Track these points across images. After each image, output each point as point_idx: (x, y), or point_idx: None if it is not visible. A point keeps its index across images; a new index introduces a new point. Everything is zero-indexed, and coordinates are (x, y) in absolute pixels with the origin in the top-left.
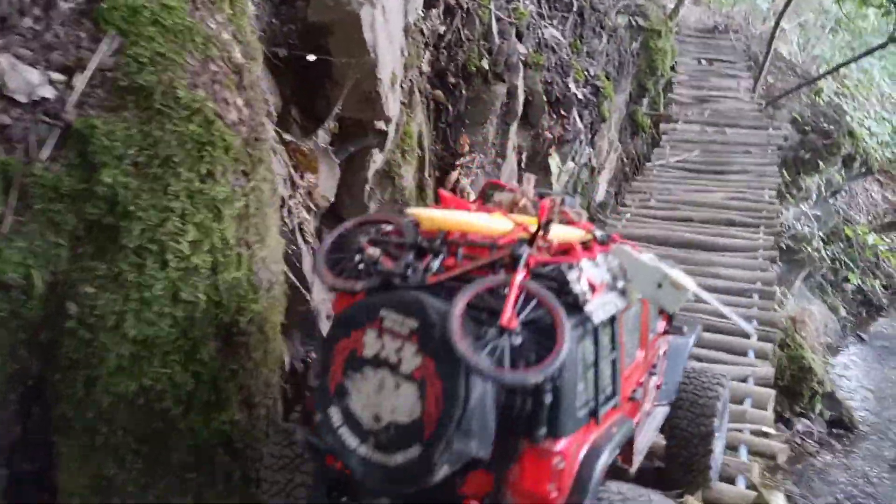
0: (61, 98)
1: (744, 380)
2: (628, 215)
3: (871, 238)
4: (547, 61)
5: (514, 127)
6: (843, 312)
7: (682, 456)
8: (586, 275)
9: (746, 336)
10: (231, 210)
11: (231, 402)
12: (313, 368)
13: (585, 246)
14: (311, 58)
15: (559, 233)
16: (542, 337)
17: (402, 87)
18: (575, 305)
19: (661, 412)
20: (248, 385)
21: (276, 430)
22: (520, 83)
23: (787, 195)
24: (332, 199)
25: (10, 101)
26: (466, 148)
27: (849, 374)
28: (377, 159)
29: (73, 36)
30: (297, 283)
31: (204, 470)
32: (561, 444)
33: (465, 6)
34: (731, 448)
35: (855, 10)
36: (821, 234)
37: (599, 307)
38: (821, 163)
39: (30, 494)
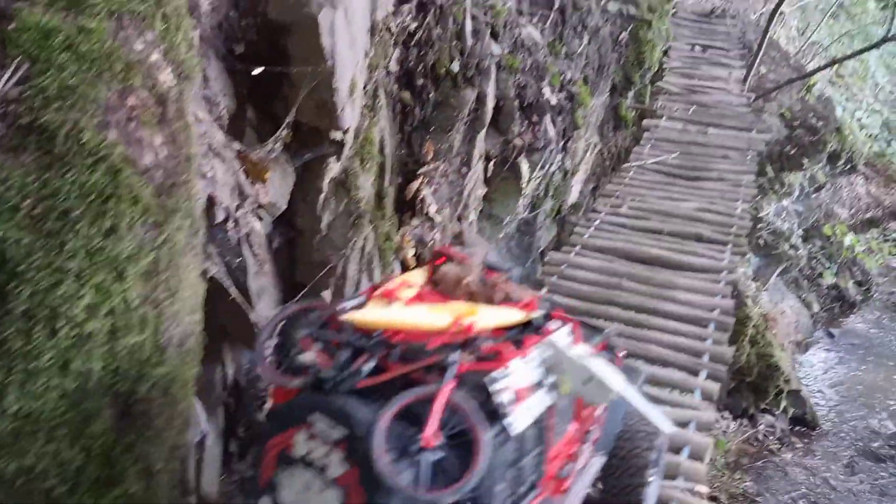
0: None
1: (685, 424)
2: (598, 222)
3: (849, 239)
4: (522, 63)
5: (481, 135)
6: (816, 308)
7: (614, 500)
8: (513, 380)
9: (695, 373)
10: (136, 268)
11: (126, 475)
12: (249, 457)
13: (517, 342)
14: (257, 71)
15: (497, 317)
16: (465, 451)
17: (365, 89)
18: (496, 415)
19: (598, 462)
20: (147, 454)
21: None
22: (490, 89)
23: (770, 191)
24: (284, 207)
25: None
26: (430, 155)
27: (815, 370)
28: (333, 168)
29: None
30: (239, 298)
31: None
32: None
33: (439, 2)
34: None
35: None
36: (800, 230)
37: (522, 415)
38: (805, 160)
39: None
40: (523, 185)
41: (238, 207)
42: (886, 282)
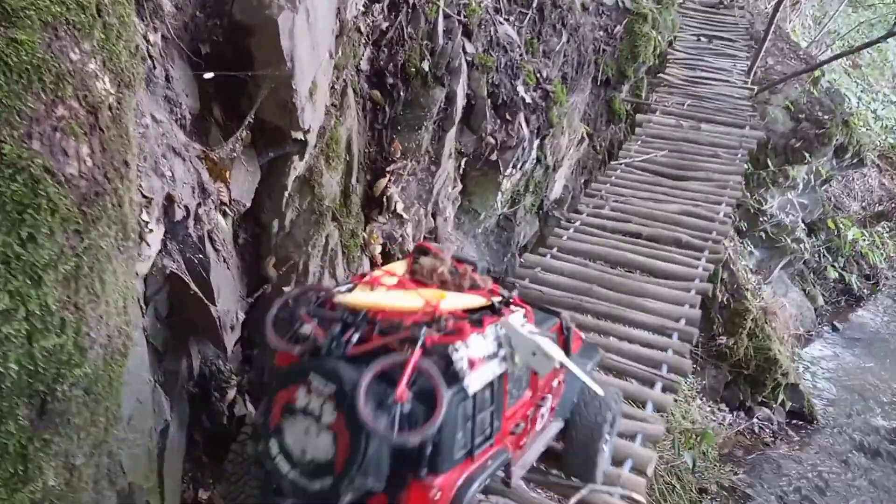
0: None
1: (633, 437)
2: (578, 223)
3: (852, 233)
4: (496, 62)
5: (451, 133)
6: (821, 301)
7: (572, 461)
8: (470, 352)
9: (651, 384)
10: (55, 274)
11: (44, 471)
12: (258, 408)
13: (476, 321)
14: (209, 75)
15: (463, 301)
16: (429, 404)
17: (333, 89)
18: (456, 377)
19: (555, 426)
20: (67, 450)
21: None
22: (460, 87)
23: (773, 183)
24: (248, 204)
25: None
26: (398, 153)
27: (817, 364)
28: (298, 166)
29: None
30: (200, 294)
31: None
32: (438, 480)
33: (412, 1)
34: None
35: None
36: (805, 223)
37: (476, 379)
38: (807, 154)
39: None
40: (500, 181)
41: (199, 205)
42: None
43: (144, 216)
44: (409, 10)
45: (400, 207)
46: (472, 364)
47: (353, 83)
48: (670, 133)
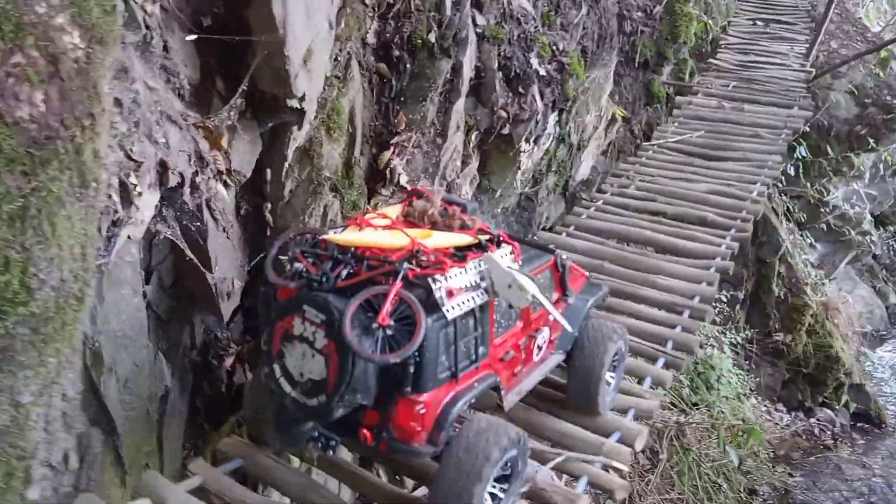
0: None
1: (624, 412)
2: (600, 202)
3: None
4: (509, 34)
5: (457, 106)
6: (893, 299)
7: (575, 393)
8: (449, 283)
9: (653, 360)
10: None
11: None
12: (262, 338)
13: (459, 257)
14: (192, 37)
15: (450, 240)
16: (410, 329)
17: (337, 60)
18: (436, 306)
19: (556, 358)
20: (13, 387)
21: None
22: (467, 59)
23: (837, 173)
24: (249, 174)
25: None
26: (403, 125)
27: (887, 365)
28: (298, 137)
29: None
30: (196, 261)
31: None
32: (423, 397)
33: None
34: (574, 476)
35: None
36: (873, 215)
37: (456, 307)
38: (873, 140)
39: None
40: (519, 160)
41: (196, 174)
42: None
43: (133, 179)
44: None
45: (404, 180)
46: (451, 293)
47: (359, 56)
48: (710, 114)
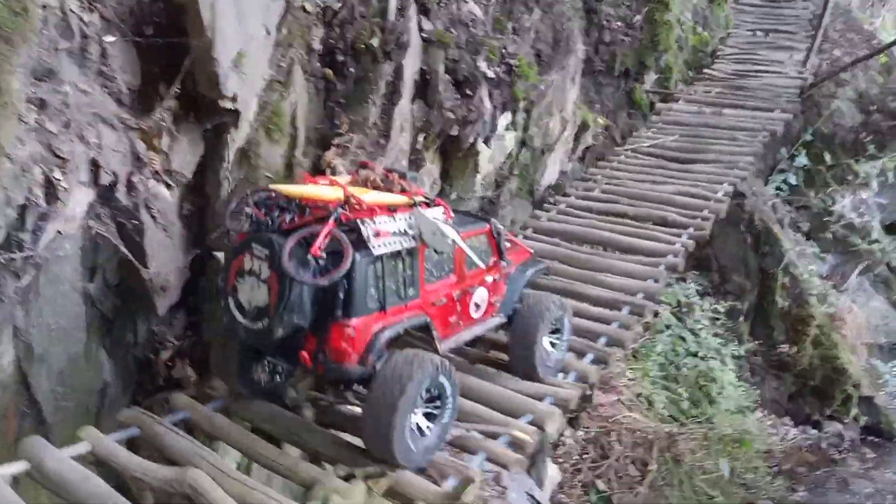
0: None
1: (540, 398)
2: (563, 205)
3: None
4: (457, 38)
5: (399, 107)
6: None
7: (516, 356)
8: (377, 226)
9: (581, 355)
10: None
11: None
12: (219, 275)
13: (391, 208)
14: (110, 39)
15: (385, 198)
16: (339, 260)
17: (279, 66)
18: (365, 244)
19: (495, 321)
20: None
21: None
22: (409, 62)
23: (842, 182)
24: (189, 175)
25: None
26: (345, 127)
27: None
28: (236, 138)
29: None
30: (131, 257)
31: None
32: (352, 322)
33: None
34: (469, 452)
35: None
36: (885, 224)
37: (382, 246)
38: (877, 148)
39: None
40: (478, 162)
41: (132, 173)
42: None
43: (57, 174)
44: None
45: (344, 177)
46: (378, 234)
47: (303, 61)
48: (689, 119)
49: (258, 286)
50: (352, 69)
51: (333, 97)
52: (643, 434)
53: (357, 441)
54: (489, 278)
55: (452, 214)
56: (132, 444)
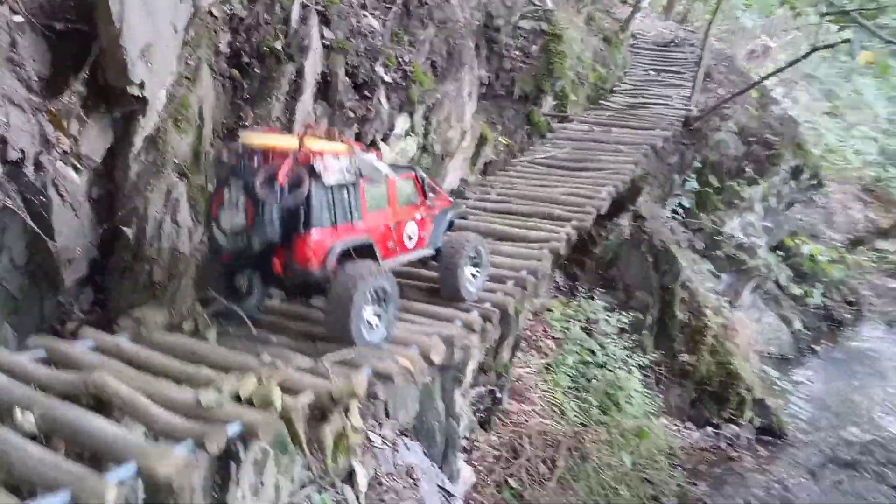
0: None
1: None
2: (461, 207)
3: (808, 248)
4: (356, 47)
5: (301, 104)
6: (798, 325)
7: (444, 283)
8: (326, 163)
9: (450, 320)
10: None
11: None
12: (212, 205)
13: (339, 153)
14: (19, 18)
15: (329, 146)
16: (299, 187)
17: (188, 63)
18: (318, 176)
19: (425, 252)
20: None
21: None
22: (310, 65)
23: (729, 206)
24: (99, 161)
25: None
26: (250, 120)
27: (793, 384)
28: (144, 125)
29: None
30: (38, 229)
31: None
32: (312, 235)
33: None
34: (356, 367)
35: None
36: (772, 246)
37: (330, 176)
38: (749, 171)
39: None
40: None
41: (40, 153)
42: (883, 303)
43: None
44: (268, 1)
45: None
46: (327, 169)
47: (210, 61)
48: (580, 136)
49: (237, 212)
50: (257, 70)
51: (240, 94)
52: (553, 436)
53: (252, 360)
54: (418, 215)
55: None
56: None
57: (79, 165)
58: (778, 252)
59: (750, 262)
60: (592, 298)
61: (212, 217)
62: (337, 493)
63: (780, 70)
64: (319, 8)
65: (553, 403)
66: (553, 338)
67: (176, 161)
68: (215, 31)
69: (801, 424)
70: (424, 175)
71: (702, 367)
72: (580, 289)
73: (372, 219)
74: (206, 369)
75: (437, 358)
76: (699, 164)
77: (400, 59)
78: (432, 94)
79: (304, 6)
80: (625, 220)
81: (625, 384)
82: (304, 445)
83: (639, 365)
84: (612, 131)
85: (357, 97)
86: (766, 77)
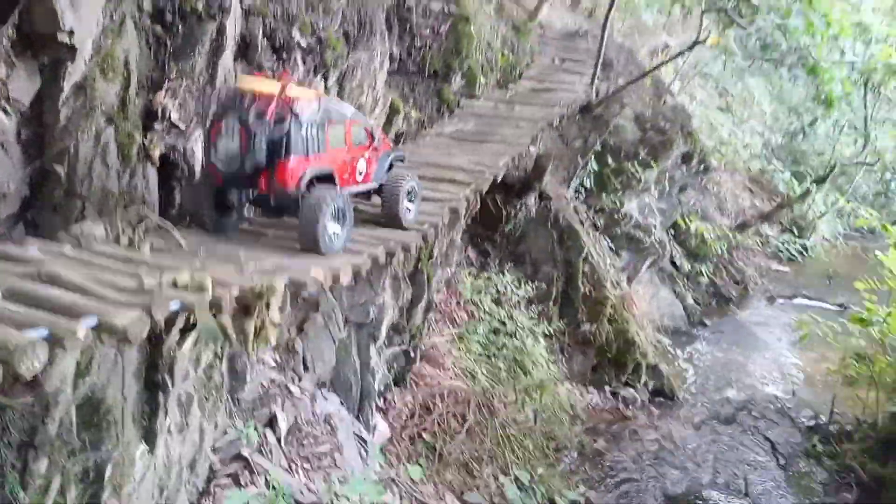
0: None
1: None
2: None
3: (695, 226)
4: (273, 11)
5: (222, 61)
6: (690, 301)
7: (386, 212)
8: (302, 105)
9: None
10: None
11: None
12: (210, 134)
13: (310, 97)
14: None
15: (301, 92)
16: (282, 122)
17: (112, 18)
18: (297, 115)
19: (371, 185)
20: None
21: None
22: (230, 25)
23: (627, 187)
24: (27, 104)
25: None
26: (175, 74)
27: (685, 353)
28: (73, 72)
29: None
30: None
31: None
32: (290, 161)
33: None
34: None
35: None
36: (666, 227)
37: (305, 115)
38: (644, 155)
39: None
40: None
41: None
42: (765, 281)
43: None
44: None
45: (175, 117)
46: (303, 109)
47: (134, 17)
48: (486, 112)
49: (231, 140)
50: (179, 27)
51: (164, 50)
52: (464, 394)
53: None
54: (366, 154)
55: None
56: None
57: (8, 108)
58: (671, 232)
59: (646, 241)
60: (503, 273)
61: (209, 143)
62: (259, 436)
63: (669, 60)
64: None
65: (465, 368)
66: (465, 309)
67: (104, 108)
68: None
69: (690, 388)
70: (373, 124)
71: (602, 336)
72: (491, 264)
73: (333, 153)
74: (144, 269)
75: (346, 279)
76: (599, 149)
77: (315, 25)
78: (345, 60)
79: None
80: (532, 200)
81: (531, 351)
82: (230, 332)
83: (544, 333)
84: (515, 108)
85: (275, 58)
86: (658, 66)
